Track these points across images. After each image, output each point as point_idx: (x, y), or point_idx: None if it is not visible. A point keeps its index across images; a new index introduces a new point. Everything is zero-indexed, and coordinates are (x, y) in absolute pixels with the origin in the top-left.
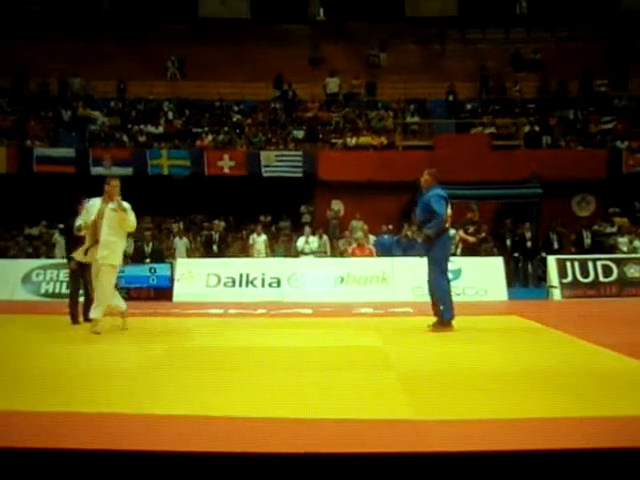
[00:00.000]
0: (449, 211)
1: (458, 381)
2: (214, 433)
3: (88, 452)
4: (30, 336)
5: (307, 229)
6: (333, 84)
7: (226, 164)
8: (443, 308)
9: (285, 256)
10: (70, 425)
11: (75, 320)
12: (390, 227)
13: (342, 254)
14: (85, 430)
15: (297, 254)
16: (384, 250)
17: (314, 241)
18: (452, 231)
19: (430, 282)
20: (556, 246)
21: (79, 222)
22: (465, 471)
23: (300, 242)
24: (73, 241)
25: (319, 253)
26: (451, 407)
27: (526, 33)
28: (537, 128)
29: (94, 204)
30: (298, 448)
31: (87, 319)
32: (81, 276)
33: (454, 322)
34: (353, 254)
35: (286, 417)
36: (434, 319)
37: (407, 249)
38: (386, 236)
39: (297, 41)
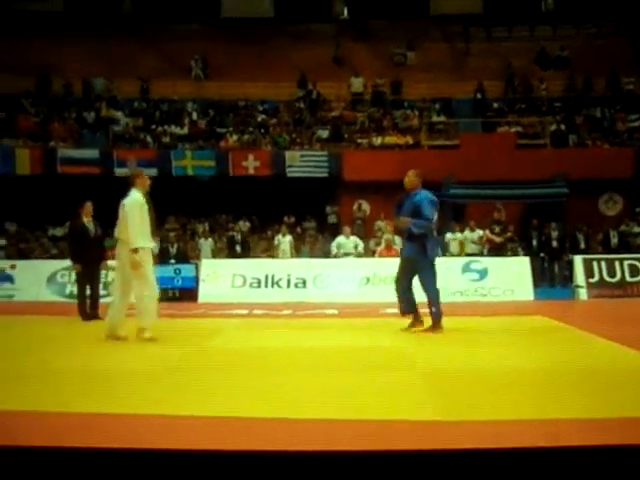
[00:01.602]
0: (436, 216)
1: (483, 381)
2: (237, 433)
3: (115, 451)
4: (55, 337)
5: (347, 229)
6: (358, 84)
7: (251, 164)
8: (435, 310)
9: (310, 257)
10: (99, 425)
11: (85, 317)
12: None
13: (373, 254)
14: (114, 430)
15: (333, 254)
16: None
17: (351, 241)
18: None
19: (425, 288)
20: (583, 246)
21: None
22: (488, 469)
23: (338, 242)
24: (78, 243)
25: (355, 254)
26: (475, 407)
27: (552, 30)
28: (563, 127)
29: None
30: (320, 447)
31: (95, 316)
32: (88, 276)
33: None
34: (381, 255)
35: (310, 417)
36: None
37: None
38: None
39: (321, 40)
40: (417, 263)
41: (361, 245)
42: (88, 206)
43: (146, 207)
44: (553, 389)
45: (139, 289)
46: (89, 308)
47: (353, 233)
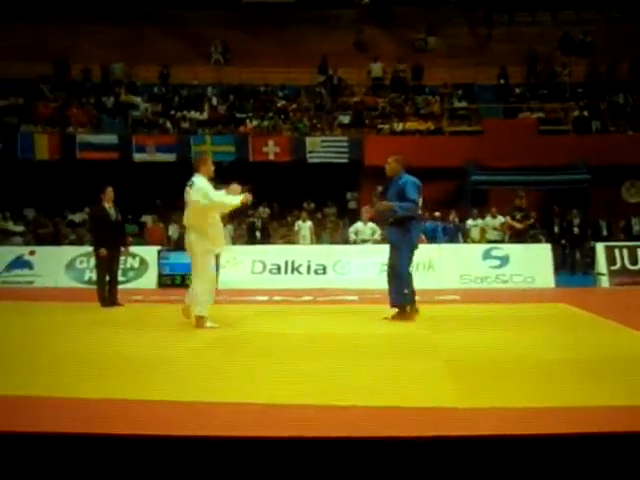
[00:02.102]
0: (420, 201)
1: (504, 369)
2: (259, 419)
3: (141, 438)
4: (75, 323)
5: (365, 215)
6: (377, 69)
7: (271, 150)
8: (407, 291)
9: (331, 243)
10: (125, 411)
11: (105, 303)
12: (438, 214)
13: None
14: (137, 416)
15: (352, 241)
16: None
17: (369, 228)
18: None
19: (397, 267)
20: (605, 233)
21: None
22: (514, 455)
23: (356, 228)
24: (99, 228)
25: (373, 240)
26: (496, 394)
27: (575, 15)
28: (586, 113)
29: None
30: (345, 433)
31: (114, 302)
32: (109, 262)
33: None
34: None
35: (332, 404)
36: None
37: (453, 236)
38: (429, 222)
39: (342, 25)
40: (398, 244)
41: (378, 232)
42: (109, 191)
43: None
44: (575, 376)
45: (197, 278)
46: (107, 294)
47: (372, 219)
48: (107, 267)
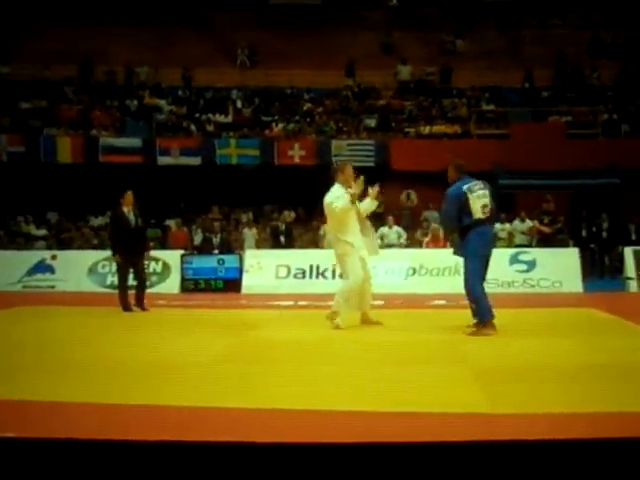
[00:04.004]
0: (478, 203)
1: (532, 375)
2: (280, 425)
3: (160, 444)
4: (98, 327)
5: (390, 219)
6: (405, 72)
7: (296, 153)
8: (475, 306)
9: None
10: (145, 416)
11: (127, 308)
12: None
13: (420, 244)
14: (160, 422)
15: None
16: None
17: (394, 232)
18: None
19: (464, 281)
20: (634, 237)
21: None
22: (544, 460)
23: (381, 232)
24: (117, 233)
25: (398, 244)
26: (526, 400)
27: (605, 17)
28: (615, 116)
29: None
30: (371, 439)
31: (142, 308)
32: (130, 267)
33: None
34: (428, 246)
35: (362, 410)
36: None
37: None
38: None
39: (369, 27)
40: (462, 257)
41: (404, 236)
42: (128, 195)
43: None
44: (605, 382)
45: (344, 279)
46: (135, 299)
47: (397, 223)
48: (128, 272)
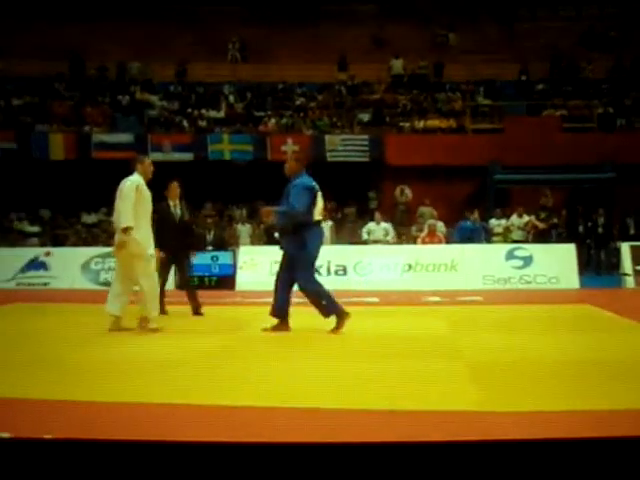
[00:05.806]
0: (320, 204)
1: (528, 371)
2: (277, 423)
3: (161, 444)
4: (90, 325)
5: (378, 215)
6: (398, 65)
7: (289, 148)
8: (326, 302)
9: (350, 243)
10: (145, 416)
11: (162, 310)
12: (476, 215)
13: (415, 240)
14: (160, 421)
15: (363, 241)
16: (463, 237)
17: (381, 228)
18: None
19: (299, 284)
20: (632, 232)
21: None
22: (539, 459)
23: (368, 228)
24: (164, 229)
25: (383, 241)
26: (520, 397)
27: (599, 10)
28: (611, 110)
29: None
30: (370, 438)
31: (197, 312)
32: (172, 265)
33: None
34: (423, 241)
35: (360, 408)
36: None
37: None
38: (469, 222)
39: (361, 21)
40: (294, 259)
41: (392, 232)
42: (173, 187)
43: (147, 193)
44: (601, 379)
45: (141, 277)
46: (192, 309)
47: (385, 220)
48: (168, 272)
